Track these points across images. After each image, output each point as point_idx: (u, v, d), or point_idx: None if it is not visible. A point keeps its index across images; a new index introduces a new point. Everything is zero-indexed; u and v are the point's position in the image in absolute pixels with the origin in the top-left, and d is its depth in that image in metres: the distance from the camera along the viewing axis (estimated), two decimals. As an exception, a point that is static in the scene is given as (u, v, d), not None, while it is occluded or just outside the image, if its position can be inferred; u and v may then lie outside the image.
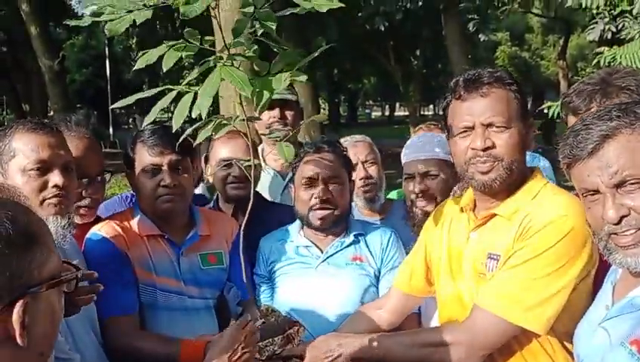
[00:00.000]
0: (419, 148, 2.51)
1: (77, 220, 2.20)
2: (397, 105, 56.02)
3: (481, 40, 17.71)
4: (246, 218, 1.95)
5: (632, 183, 1.36)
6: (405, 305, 2.22)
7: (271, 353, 1.91)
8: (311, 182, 2.36)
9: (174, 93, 1.78)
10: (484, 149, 1.78)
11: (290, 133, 2.57)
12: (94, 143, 2.31)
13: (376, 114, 68.17)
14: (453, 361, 1.80)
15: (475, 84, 1.80)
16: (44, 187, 1.87)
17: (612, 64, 6.08)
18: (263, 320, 1.93)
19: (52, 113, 16.16)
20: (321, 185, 2.34)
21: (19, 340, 1.00)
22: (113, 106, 1.98)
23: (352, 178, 2.55)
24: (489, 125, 1.79)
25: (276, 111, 3.10)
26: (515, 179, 1.83)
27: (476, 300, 1.79)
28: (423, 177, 2.44)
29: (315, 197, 2.34)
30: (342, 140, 3.06)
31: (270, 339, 1.91)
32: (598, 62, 6.32)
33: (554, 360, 1.77)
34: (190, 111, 1.72)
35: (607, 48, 6.52)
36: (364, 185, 2.90)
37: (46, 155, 1.87)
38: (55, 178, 1.88)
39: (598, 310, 1.53)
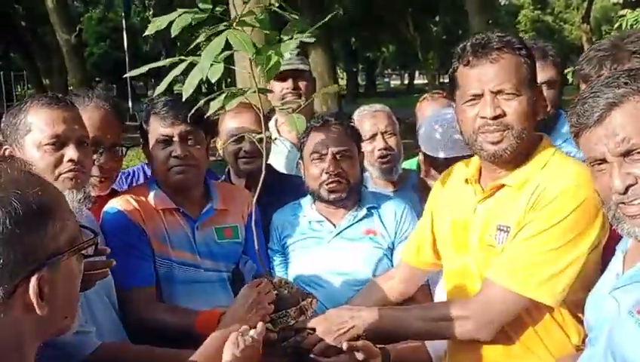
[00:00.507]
0: (443, 144, 2.36)
1: (92, 192, 2.24)
2: (416, 73, 55.33)
3: (502, 4, 17.30)
4: (257, 191, 1.96)
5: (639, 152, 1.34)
6: (415, 276, 2.22)
7: (284, 324, 1.94)
8: (320, 156, 2.34)
9: (186, 63, 1.78)
10: (494, 118, 1.73)
11: (303, 105, 2.55)
12: (112, 114, 2.33)
13: (395, 83, 67.48)
14: (465, 335, 1.80)
15: (484, 50, 1.75)
16: (59, 162, 1.89)
17: (634, 27, 5.92)
18: (276, 291, 1.96)
19: (71, 87, 16.27)
20: (330, 159, 2.32)
21: (38, 311, 1.04)
22: (127, 75, 1.98)
23: (362, 149, 2.52)
24: (498, 92, 1.74)
25: (289, 83, 3.07)
26: (525, 148, 1.79)
27: (488, 273, 1.78)
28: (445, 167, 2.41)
29: (326, 172, 2.32)
30: (360, 109, 3.06)
31: (283, 311, 1.93)
32: (620, 25, 6.15)
33: (565, 330, 1.77)
34: (201, 82, 1.72)
35: (629, 10, 6.35)
36: (382, 157, 2.88)
37: (61, 130, 1.89)
38: (70, 152, 1.90)
39: (609, 279, 1.52)
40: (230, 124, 2.65)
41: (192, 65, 1.78)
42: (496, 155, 1.76)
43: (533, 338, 1.79)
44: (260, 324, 1.73)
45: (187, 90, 1.77)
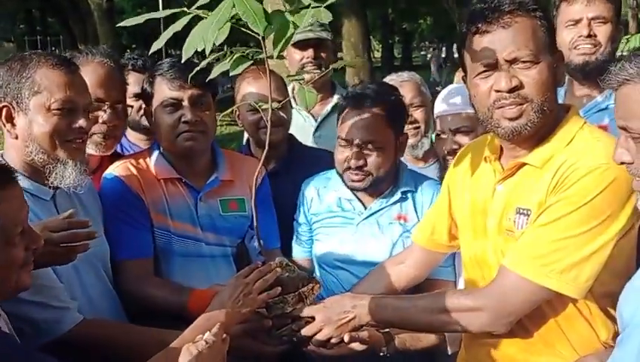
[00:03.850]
0: (450, 101, 2.28)
1: (93, 151, 2.16)
2: (454, 46, 54.21)
3: (545, -24, 16.71)
4: (261, 162, 1.83)
5: None
6: (428, 259, 2.05)
7: (280, 311, 1.81)
8: (347, 143, 2.14)
9: (188, 17, 1.61)
10: (511, 90, 1.54)
11: (316, 76, 2.39)
12: (115, 71, 2.25)
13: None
14: (477, 328, 1.65)
15: (494, 14, 1.55)
16: (66, 128, 1.79)
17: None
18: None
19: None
20: (355, 150, 2.11)
21: None
22: (120, 25, 1.85)
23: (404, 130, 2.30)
24: (514, 61, 1.54)
25: (310, 52, 2.92)
26: (547, 122, 1.60)
27: (504, 261, 1.60)
28: (454, 134, 2.24)
29: (349, 162, 2.14)
30: (388, 78, 2.82)
31: (281, 297, 1.80)
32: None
33: (592, 325, 1.60)
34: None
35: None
36: (408, 130, 2.70)
37: (72, 95, 1.79)
38: (81, 121, 1.81)
39: None
40: (248, 89, 2.49)
41: (198, 19, 1.61)
42: (514, 132, 1.57)
43: (556, 332, 1.62)
44: (215, 326, 1.58)
45: (188, 50, 1.60)
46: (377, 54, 38.09)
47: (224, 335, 1.55)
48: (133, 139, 2.80)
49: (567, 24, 2.32)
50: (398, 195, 2.21)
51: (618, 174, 1.46)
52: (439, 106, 2.43)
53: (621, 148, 1.32)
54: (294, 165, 2.51)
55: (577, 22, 2.33)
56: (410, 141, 2.69)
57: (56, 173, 1.77)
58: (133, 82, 2.49)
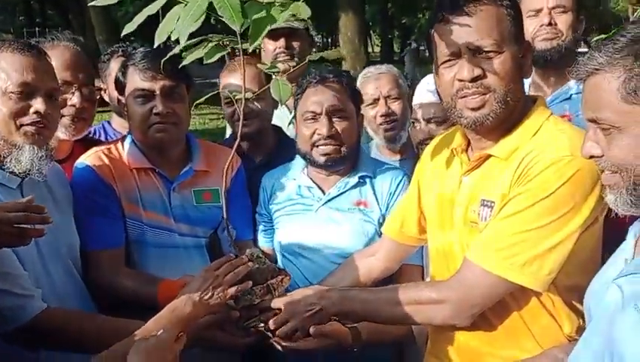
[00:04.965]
0: (423, 90, 2.29)
1: (62, 134, 2.15)
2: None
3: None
4: (232, 153, 1.81)
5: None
6: (398, 252, 2.04)
7: (248, 302, 1.80)
8: (313, 116, 2.15)
9: (163, 1, 1.56)
10: (473, 79, 1.53)
11: (291, 68, 2.37)
12: (82, 54, 2.27)
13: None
14: (440, 321, 1.64)
15: (460, 2, 1.53)
16: (23, 112, 1.77)
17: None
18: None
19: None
20: (324, 120, 2.13)
21: None
22: (92, 4, 1.83)
23: (361, 111, 2.33)
24: (477, 50, 1.53)
25: (281, 42, 2.90)
26: (512, 113, 1.59)
27: (467, 253, 1.60)
28: (427, 123, 2.23)
29: (318, 133, 2.14)
30: (365, 70, 2.85)
31: (250, 289, 1.79)
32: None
33: (556, 318, 1.59)
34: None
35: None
36: (384, 123, 2.68)
37: (30, 78, 1.77)
38: (38, 104, 1.78)
39: (617, 264, 1.35)
40: (226, 81, 2.48)
41: (173, 3, 1.59)
42: (477, 122, 1.56)
43: (519, 325, 1.61)
44: (171, 325, 1.57)
45: (160, 36, 1.57)
46: (377, 49, 37.95)
47: (180, 334, 1.52)
48: (119, 126, 2.79)
49: (529, 14, 2.33)
50: (356, 179, 2.21)
51: (581, 166, 1.46)
52: (421, 95, 2.43)
53: (590, 141, 1.30)
54: (282, 158, 2.50)
55: (538, 11, 2.35)
56: (388, 134, 2.70)
57: (11, 158, 1.75)
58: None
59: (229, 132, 2.99)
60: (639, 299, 1.18)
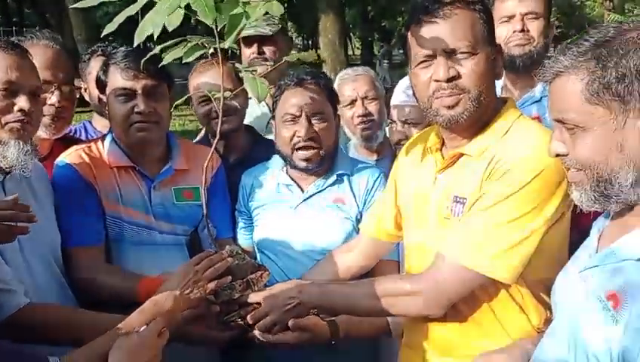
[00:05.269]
0: (399, 92, 2.35)
1: (43, 133, 2.17)
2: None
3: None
4: (211, 152, 1.84)
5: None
6: (376, 249, 2.10)
7: (228, 297, 1.84)
8: (293, 118, 2.19)
9: (143, 2, 1.58)
10: (448, 80, 1.60)
11: (269, 69, 2.42)
12: (62, 53, 2.30)
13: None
14: (414, 312, 1.71)
15: (435, 6, 1.60)
16: (7, 110, 1.80)
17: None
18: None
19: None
20: (304, 122, 2.18)
21: None
22: (74, 6, 1.84)
23: (338, 112, 2.38)
24: (452, 52, 1.60)
25: (254, 48, 2.97)
26: (485, 113, 1.66)
27: (439, 247, 1.66)
28: (404, 124, 2.29)
29: (298, 136, 2.18)
30: (342, 73, 2.92)
31: (229, 284, 1.83)
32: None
33: (524, 310, 1.66)
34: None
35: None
36: (361, 123, 2.75)
37: (14, 77, 1.80)
38: (22, 102, 1.80)
39: (581, 258, 1.41)
40: (199, 80, 2.51)
41: (153, 4, 1.62)
42: (452, 121, 1.63)
43: (489, 317, 1.68)
44: (153, 322, 1.57)
45: (139, 35, 1.59)
46: (357, 52, 38.01)
47: (163, 330, 1.54)
48: (99, 126, 2.81)
49: (501, 20, 2.40)
50: (333, 177, 2.26)
51: (548, 164, 1.52)
52: (398, 96, 2.48)
53: (556, 140, 1.35)
54: (256, 157, 2.54)
55: (510, 18, 2.41)
56: (365, 133, 2.76)
57: None
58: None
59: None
60: (602, 291, 1.24)
